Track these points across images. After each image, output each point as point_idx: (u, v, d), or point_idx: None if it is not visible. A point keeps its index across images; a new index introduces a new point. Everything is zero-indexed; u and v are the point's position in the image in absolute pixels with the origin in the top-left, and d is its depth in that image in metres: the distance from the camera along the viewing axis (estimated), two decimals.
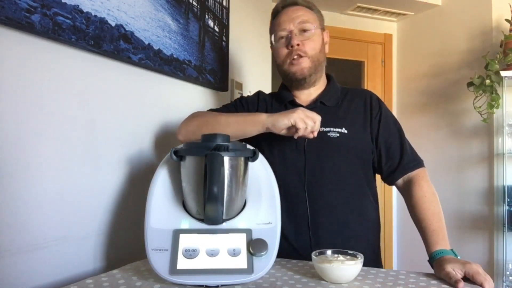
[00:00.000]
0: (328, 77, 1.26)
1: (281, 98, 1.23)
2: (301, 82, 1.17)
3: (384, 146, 1.15)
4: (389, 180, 1.17)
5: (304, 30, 1.15)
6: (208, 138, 0.86)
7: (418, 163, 1.15)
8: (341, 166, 1.12)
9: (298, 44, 1.13)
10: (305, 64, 1.14)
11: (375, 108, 1.18)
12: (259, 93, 1.30)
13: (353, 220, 1.12)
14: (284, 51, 1.16)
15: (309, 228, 1.09)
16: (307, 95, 1.21)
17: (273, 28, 1.20)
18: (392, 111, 1.27)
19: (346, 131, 1.13)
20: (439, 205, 1.07)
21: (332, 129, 1.14)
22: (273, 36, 1.19)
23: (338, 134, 1.13)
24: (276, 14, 1.22)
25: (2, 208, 0.83)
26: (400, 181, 1.15)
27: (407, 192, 1.13)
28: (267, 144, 1.18)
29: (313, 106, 1.18)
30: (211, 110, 1.24)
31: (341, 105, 1.19)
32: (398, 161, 1.14)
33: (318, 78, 1.20)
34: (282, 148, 1.15)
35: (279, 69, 1.21)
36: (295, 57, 1.14)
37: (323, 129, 1.13)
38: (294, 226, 1.09)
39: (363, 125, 1.16)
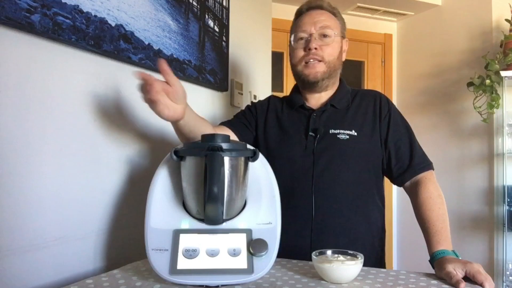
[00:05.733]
0: (339, 80, 1.26)
1: (292, 102, 1.24)
2: (313, 85, 1.18)
3: (394, 147, 1.15)
4: (399, 182, 1.17)
5: (324, 35, 1.15)
6: (208, 138, 0.86)
7: (427, 165, 1.14)
8: (350, 168, 1.12)
9: (316, 48, 1.14)
10: (319, 68, 1.15)
11: (384, 110, 1.18)
12: (269, 98, 1.31)
13: (358, 223, 1.11)
14: (301, 52, 1.17)
15: (312, 229, 1.09)
16: (317, 98, 1.22)
17: (294, 28, 1.21)
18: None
19: (355, 134, 1.14)
20: (444, 207, 1.07)
21: (341, 131, 1.14)
22: (292, 36, 1.19)
23: (347, 136, 1.13)
24: (299, 14, 1.22)
25: (2, 208, 0.83)
26: (407, 183, 1.15)
27: (413, 193, 1.13)
28: (276, 144, 1.19)
29: (323, 109, 1.19)
30: (223, 122, 1.26)
31: (350, 107, 1.19)
32: (407, 163, 1.14)
33: (330, 84, 1.21)
34: (291, 149, 1.16)
35: (293, 69, 1.21)
36: (311, 60, 1.15)
37: (333, 131, 1.14)
38: (297, 227, 1.09)
39: (372, 127, 1.16)
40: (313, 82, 1.17)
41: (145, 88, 0.86)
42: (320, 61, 1.15)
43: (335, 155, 1.12)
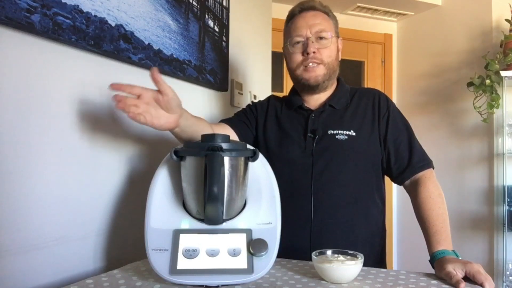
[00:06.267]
0: (337, 79, 1.25)
1: (290, 103, 1.23)
2: (314, 89, 1.18)
3: (393, 146, 1.15)
4: (399, 180, 1.17)
5: (321, 38, 1.14)
6: (208, 138, 0.86)
7: (427, 163, 1.14)
8: (349, 168, 1.12)
9: (314, 52, 1.13)
10: (319, 71, 1.15)
11: (383, 108, 1.17)
12: (269, 98, 1.31)
13: (358, 223, 1.11)
14: (299, 57, 1.15)
15: (311, 230, 1.09)
16: (316, 99, 1.21)
17: (289, 32, 1.19)
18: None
19: (354, 134, 1.13)
20: (444, 206, 1.07)
21: (340, 131, 1.13)
22: (288, 40, 1.18)
23: (346, 137, 1.13)
24: (292, 17, 1.20)
25: (2, 208, 0.83)
26: (407, 182, 1.15)
27: (413, 192, 1.13)
28: (275, 145, 1.19)
29: (322, 109, 1.18)
30: (224, 119, 1.25)
31: (349, 107, 1.19)
32: (407, 162, 1.13)
33: (330, 84, 1.20)
34: (290, 149, 1.16)
35: (291, 73, 1.20)
36: (310, 64, 1.14)
37: (331, 131, 1.14)
38: (296, 228, 1.09)
39: (371, 127, 1.16)
40: (314, 86, 1.16)
41: (129, 101, 0.82)
42: (319, 63, 1.14)
43: (334, 155, 1.12)
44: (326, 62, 1.15)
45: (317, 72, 1.15)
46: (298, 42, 1.16)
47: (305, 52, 1.14)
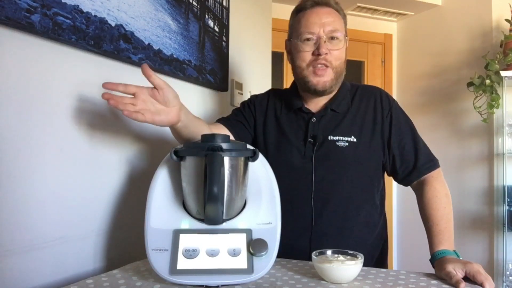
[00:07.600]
0: None
1: (291, 105, 1.18)
2: (319, 94, 1.12)
3: (398, 148, 1.12)
4: (405, 182, 1.15)
5: (333, 38, 1.09)
6: (208, 138, 0.86)
7: (433, 164, 1.12)
8: (349, 175, 1.10)
9: (326, 54, 1.07)
10: (328, 77, 1.09)
11: (385, 108, 1.14)
12: (269, 94, 1.25)
13: (359, 229, 1.10)
14: (309, 55, 1.09)
15: (311, 236, 1.08)
16: (317, 101, 1.16)
17: (299, 26, 1.10)
18: None
19: (355, 140, 1.10)
20: (450, 206, 1.06)
21: (341, 138, 1.10)
22: (298, 35, 1.10)
23: (347, 143, 1.10)
24: (302, 10, 1.12)
25: (2, 208, 0.83)
26: (414, 182, 1.14)
27: (419, 191, 1.11)
28: (274, 148, 1.16)
29: (323, 113, 1.14)
30: (221, 119, 1.22)
31: (350, 110, 1.15)
32: (413, 164, 1.11)
33: (335, 88, 1.15)
34: (289, 153, 1.13)
35: (297, 71, 1.13)
36: (319, 66, 1.08)
37: (332, 137, 1.11)
38: (296, 233, 1.08)
39: (372, 129, 1.12)
40: (321, 91, 1.11)
41: (125, 101, 0.82)
42: (328, 66, 1.09)
43: (335, 162, 1.10)
44: (335, 66, 1.09)
45: (325, 77, 1.09)
46: (308, 39, 1.08)
47: (316, 52, 1.08)
